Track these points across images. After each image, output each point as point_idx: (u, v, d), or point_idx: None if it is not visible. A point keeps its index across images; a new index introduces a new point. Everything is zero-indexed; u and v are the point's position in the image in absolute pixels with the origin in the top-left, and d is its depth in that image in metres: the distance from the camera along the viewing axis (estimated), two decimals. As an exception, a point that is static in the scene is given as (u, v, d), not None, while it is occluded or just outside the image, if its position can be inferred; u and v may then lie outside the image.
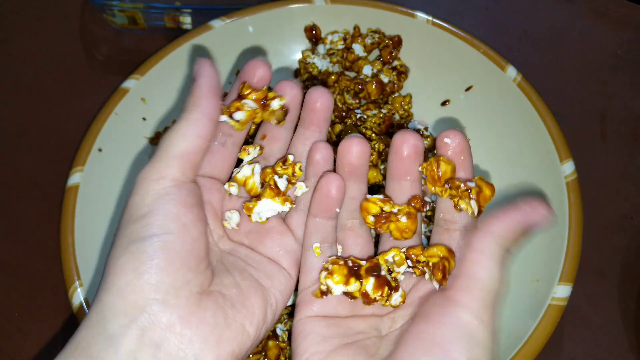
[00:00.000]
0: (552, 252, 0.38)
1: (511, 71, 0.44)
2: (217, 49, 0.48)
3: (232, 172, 0.33)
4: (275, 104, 0.31)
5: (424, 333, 0.26)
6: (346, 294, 0.30)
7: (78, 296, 0.37)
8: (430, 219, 0.41)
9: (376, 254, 0.32)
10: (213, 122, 0.29)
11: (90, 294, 0.37)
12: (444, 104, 0.49)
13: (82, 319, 0.26)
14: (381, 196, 0.31)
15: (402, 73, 0.47)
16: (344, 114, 0.46)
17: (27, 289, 0.45)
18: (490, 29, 0.58)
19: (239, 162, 0.33)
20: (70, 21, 0.57)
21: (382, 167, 0.41)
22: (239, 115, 0.31)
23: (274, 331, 0.38)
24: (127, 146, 0.45)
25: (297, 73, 0.50)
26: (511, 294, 0.37)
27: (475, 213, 0.29)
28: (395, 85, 0.47)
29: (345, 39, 0.49)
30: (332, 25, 0.49)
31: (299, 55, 0.50)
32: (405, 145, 0.30)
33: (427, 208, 0.31)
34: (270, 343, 0.37)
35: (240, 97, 0.31)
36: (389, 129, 0.45)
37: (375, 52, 0.49)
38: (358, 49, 0.48)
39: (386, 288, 0.29)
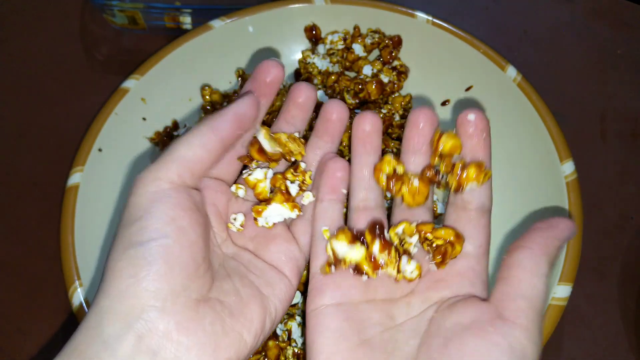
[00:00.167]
0: (552, 252, 0.38)
1: (511, 71, 0.44)
2: (217, 49, 0.48)
3: (241, 174, 0.33)
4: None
5: (475, 351, 0.25)
6: (356, 269, 0.29)
7: (78, 296, 0.37)
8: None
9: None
10: (221, 140, 0.29)
11: (90, 294, 0.37)
12: (444, 104, 0.49)
13: (81, 322, 0.26)
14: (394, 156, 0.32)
15: (402, 73, 0.47)
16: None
17: (27, 289, 0.45)
18: (490, 29, 0.58)
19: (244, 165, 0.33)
20: (70, 21, 0.57)
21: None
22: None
23: (274, 331, 0.38)
24: (127, 146, 0.45)
25: (297, 73, 0.50)
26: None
27: (454, 187, 0.30)
28: (395, 85, 0.47)
29: (345, 39, 0.49)
30: (332, 25, 0.49)
31: (299, 55, 0.50)
32: (422, 117, 0.31)
33: (440, 177, 0.31)
34: (270, 343, 0.37)
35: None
36: (389, 129, 0.45)
37: (375, 52, 0.49)
38: (358, 49, 0.48)
39: (393, 249, 0.29)
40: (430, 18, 0.47)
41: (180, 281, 0.25)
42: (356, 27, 0.49)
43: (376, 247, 0.29)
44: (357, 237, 0.30)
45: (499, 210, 0.34)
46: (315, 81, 0.48)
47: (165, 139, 0.46)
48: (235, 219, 0.31)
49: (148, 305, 0.24)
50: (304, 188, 0.33)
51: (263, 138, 0.31)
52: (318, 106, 0.34)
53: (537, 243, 0.27)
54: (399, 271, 0.29)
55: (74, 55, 0.55)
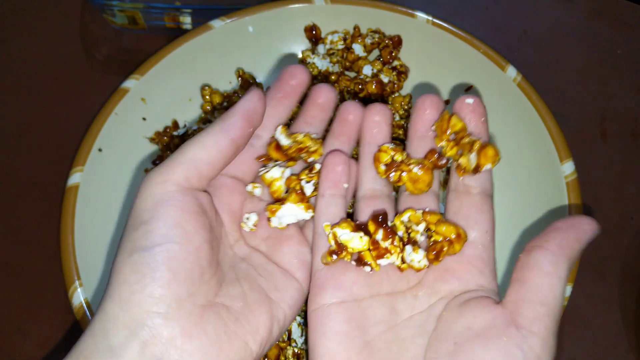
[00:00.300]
0: (552, 252, 0.38)
1: (511, 71, 0.44)
2: (217, 49, 0.48)
3: (259, 172, 0.33)
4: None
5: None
6: (358, 260, 0.29)
7: (78, 296, 0.37)
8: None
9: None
10: (232, 140, 0.28)
11: (90, 294, 0.37)
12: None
13: (86, 327, 0.26)
14: (393, 145, 0.31)
15: (402, 73, 0.47)
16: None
17: (27, 289, 0.45)
18: (490, 29, 0.58)
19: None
20: (70, 21, 0.57)
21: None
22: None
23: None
24: (127, 146, 0.45)
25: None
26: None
27: (472, 167, 0.29)
28: (395, 85, 0.47)
29: (345, 39, 0.49)
30: (332, 25, 0.49)
31: (299, 55, 0.50)
32: (428, 103, 0.31)
33: (444, 162, 0.30)
34: (270, 343, 0.37)
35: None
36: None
37: (375, 52, 0.49)
38: (358, 49, 0.48)
39: (397, 238, 0.29)
40: (430, 18, 0.47)
41: (184, 287, 0.25)
42: (356, 27, 0.49)
43: (379, 236, 0.29)
44: (359, 227, 0.29)
45: (499, 210, 0.34)
46: (315, 82, 0.48)
47: (165, 138, 0.46)
48: (248, 219, 0.31)
49: (152, 312, 0.24)
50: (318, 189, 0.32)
51: (280, 134, 0.31)
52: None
53: (558, 244, 0.26)
54: (403, 261, 0.29)
55: (74, 55, 0.55)
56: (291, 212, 0.31)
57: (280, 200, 0.31)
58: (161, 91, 0.46)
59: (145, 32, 0.55)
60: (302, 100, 0.34)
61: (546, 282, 0.25)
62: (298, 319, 0.39)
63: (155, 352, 0.24)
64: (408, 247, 0.29)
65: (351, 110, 0.33)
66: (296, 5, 0.48)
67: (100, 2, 0.50)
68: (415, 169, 0.30)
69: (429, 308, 0.28)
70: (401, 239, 0.29)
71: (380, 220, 0.29)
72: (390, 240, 0.28)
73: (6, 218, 0.47)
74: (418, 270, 0.29)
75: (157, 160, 0.46)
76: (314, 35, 0.49)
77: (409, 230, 0.30)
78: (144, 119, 0.46)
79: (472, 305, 0.27)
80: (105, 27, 0.56)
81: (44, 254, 0.45)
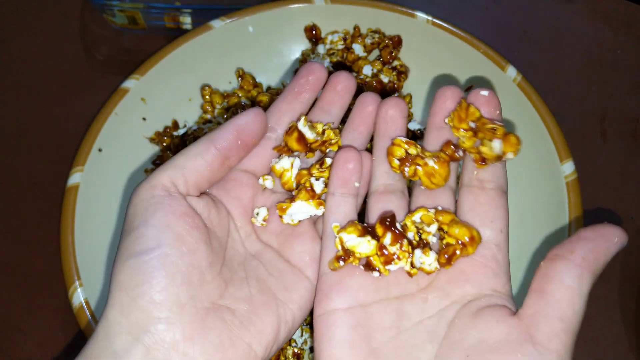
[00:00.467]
0: (552, 252, 0.38)
1: (511, 71, 0.44)
2: (217, 49, 0.48)
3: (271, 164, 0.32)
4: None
5: None
6: (366, 265, 0.28)
7: (78, 296, 0.37)
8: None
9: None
10: (217, 150, 0.28)
11: (90, 294, 0.37)
12: (444, 104, 0.49)
13: (86, 326, 0.26)
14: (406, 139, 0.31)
15: (402, 73, 0.47)
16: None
17: (27, 289, 0.45)
18: (490, 29, 0.58)
19: None
20: (70, 21, 0.57)
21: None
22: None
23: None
24: (127, 146, 0.45)
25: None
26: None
27: (497, 152, 0.28)
28: (395, 85, 0.47)
29: (345, 39, 0.49)
30: (332, 25, 0.49)
31: (299, 55, 0.50)
32: (449, 93, 0.31)
33: (461, 154, 0.30)
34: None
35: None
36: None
37: (375, 52, 0.49)
38: (358, 49, 0.48)
39: (406, 242, 0.28)
40: (430, 18, 0.47)
41: (184, 291, 0.25)
42: (356, 27, 0.49)
43: (387, 240, 0.28)
44: (367, 231, 0.28)
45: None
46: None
47: (166, 139, 0.46)
48: (257, 214, 0.31)
49: (154, 317, 0.24)
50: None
51: (303, 125, 0.31)
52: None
53: (584, 257, 0.24)
54: (412, 266, 0.28)
55: (74, 55, 0.55)
56: (302, 210, 0.31)
57: (290, 199, 0.31)
58: (161, 91, 0.46)
59: (145, 32, 0.55)
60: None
61: (567, 297, 0.24)
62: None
63: (158, 357, 0.24)
64: (417, 251, 0.28)
65: (371, 101, 0.33)
66: (296, 5, 0.48)
67: (100, 2, 0.50)
68: (431, 162, 0.29)
69: (440, 312, 0.27)
70: (410, 242, 0.28)
71: (388, 223, 0.28)
72: (398, 245, 0.28)
73: (6, 218, 0.47)
74: (429, 273, 0.28)
75: (158, 160, 0.46)
76: (314, 35, 0.49)
77: (420, 232, 0.29)
78: (144, 119, 0.46)
79: (487, 316, 0.26)
80: (105, 27, 0.56)
81: (44, 254, 0.45)
